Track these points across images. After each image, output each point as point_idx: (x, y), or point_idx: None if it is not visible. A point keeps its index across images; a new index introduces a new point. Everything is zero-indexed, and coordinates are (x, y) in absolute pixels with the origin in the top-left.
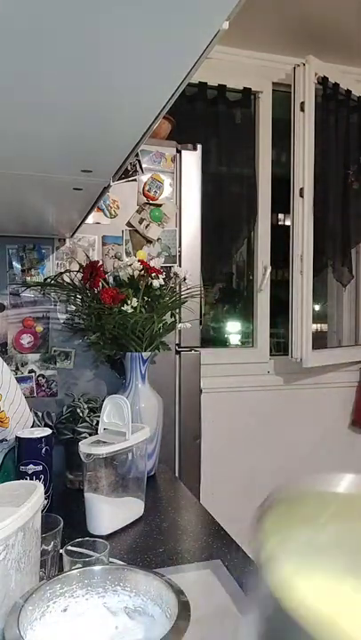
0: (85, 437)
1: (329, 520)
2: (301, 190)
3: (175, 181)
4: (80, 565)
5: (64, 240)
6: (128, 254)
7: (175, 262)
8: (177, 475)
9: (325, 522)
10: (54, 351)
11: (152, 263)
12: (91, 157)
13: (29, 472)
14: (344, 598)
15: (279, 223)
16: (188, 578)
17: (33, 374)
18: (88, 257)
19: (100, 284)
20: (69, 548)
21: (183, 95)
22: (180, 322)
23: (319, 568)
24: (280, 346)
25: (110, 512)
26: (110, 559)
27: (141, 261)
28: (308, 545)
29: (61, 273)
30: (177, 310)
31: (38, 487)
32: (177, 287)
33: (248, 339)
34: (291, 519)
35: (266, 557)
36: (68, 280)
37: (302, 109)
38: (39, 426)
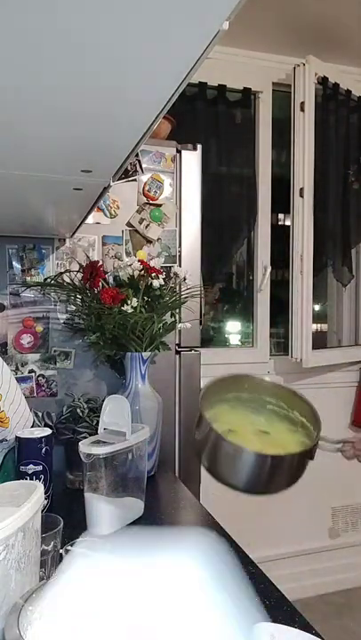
0: (85, 437)
1: (248, 388)
2: (301, 190)
3: (175, 181)
4: None
5: (64, 240)
6: (128, 254)
7: (175, 262)
8: (177, 475)
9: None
10: (54, 351)
11: (152, 263)
12: (91, 157)
13: (29, 472)
14: (244, 423)
15: (279, 223)
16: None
17: (33, 374)
18: (88, 257)
19: (100, 284)
20: (69, 548)
21: (183, 95)
22: (180, 322)
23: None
24: (280, 346)
25: (110, 512)
26: None
27: (141, 261)
28: (235, 399)
29: (61, 273)
30: (177, 310)
31: (38, 487)
32: (177, 287)
33: (248, 339)
34: (225, 386)
35: (206, 406)
36: (68, 280)
37: (302, 109)
38: (39, 426)
